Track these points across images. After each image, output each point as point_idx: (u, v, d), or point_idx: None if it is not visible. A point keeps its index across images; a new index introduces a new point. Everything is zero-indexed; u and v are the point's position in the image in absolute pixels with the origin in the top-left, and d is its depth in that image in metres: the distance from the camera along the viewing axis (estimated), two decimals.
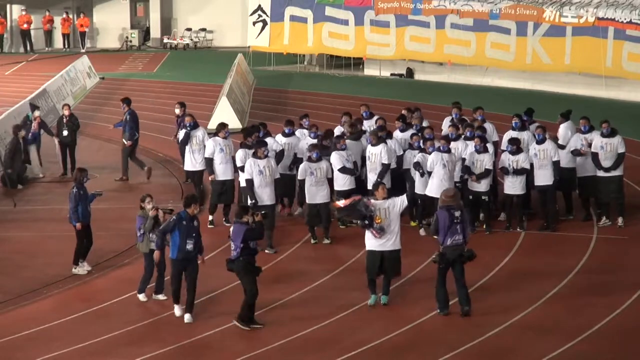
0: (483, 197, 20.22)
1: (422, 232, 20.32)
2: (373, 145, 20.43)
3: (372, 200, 16.23)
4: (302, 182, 20.22)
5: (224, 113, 31.12)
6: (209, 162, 21.19)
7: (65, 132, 25.67)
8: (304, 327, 15.76)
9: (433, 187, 19.70)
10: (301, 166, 20.14)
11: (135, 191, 24.28)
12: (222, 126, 21.43)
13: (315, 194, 19.83)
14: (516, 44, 38.17)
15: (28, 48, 51.57)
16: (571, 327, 15.64)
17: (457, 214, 15.80)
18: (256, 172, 19.55)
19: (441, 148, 19.96)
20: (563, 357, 14.68)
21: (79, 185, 18.81)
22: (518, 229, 20.48)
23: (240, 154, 20.36)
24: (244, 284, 15.67)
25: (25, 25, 51.44)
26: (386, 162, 20.26)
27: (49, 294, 17.61)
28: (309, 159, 19.94)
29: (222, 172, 21.02)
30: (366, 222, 16.10)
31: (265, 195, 19.57)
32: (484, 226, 20.41)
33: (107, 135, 29.85)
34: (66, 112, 26.04)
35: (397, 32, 41.09)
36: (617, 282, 17.83)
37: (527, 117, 22.08)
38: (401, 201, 16.26)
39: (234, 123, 30.14)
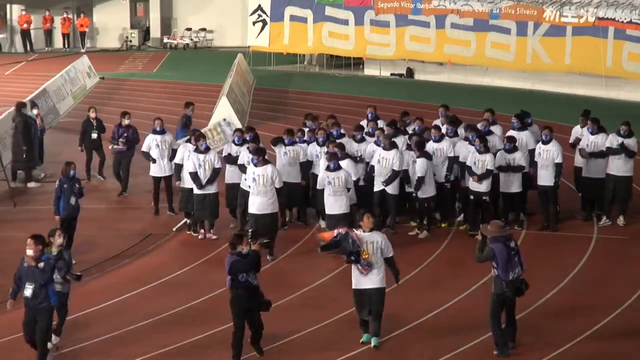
0: (484, 198, 20.23)
1: (414, 232, 20.26)
2: (385, 149, 20.17)
3: (359, 233, 14.87)
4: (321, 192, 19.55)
5: (224, 113, 31.09)
6: (178, 168, 20.90)
7: (94, 135, 25.23)
8: (303, 327, 15.76)
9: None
10: (320, 175, 19.65)
11: (135, 191, 24.28)
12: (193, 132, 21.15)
13: (333, 205, 19.22)
14: (516, 44, 38.16)
15: (28, 48, 51.55)
16: (571, 327, 15.64)
17: (513, 244, 14.67)
18: (250, 180, 19.14)
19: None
20: (563, 356, 14.69)
21: (64, 178, 18.81)
22: (516, 227, 20.50)
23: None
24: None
25: (25, 25, 51.41)
26: (397, 169, 20.08)
27: None
28: (327, 168, 19.34)
29: (188, 180, 20.58)
30: (352, 258, 14.75)
31: (255, 204, 19.04)
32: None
33: (107, 135, 29.75)
34: (92, 115, 25.36)
35: (397, 32, 41.07)
36: (617, 282, 17.85)
37: (529, 119, 22.04)
38: (387, 248, 14.95)
39: (234, 123, 30.10)
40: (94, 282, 18.30)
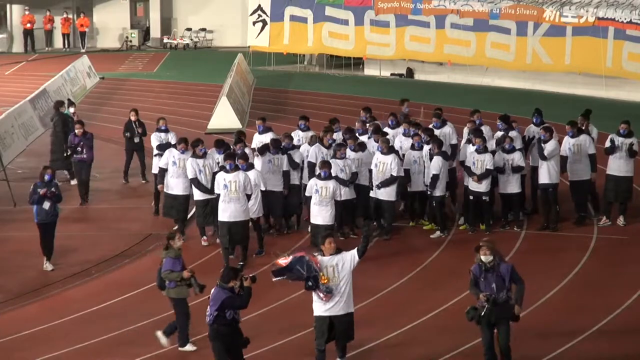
0: (484, 198, 20.24)
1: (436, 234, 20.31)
2: (383, 153, 20.02)
3: (319, 257, 13.90)
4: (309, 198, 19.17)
5: (224, 113, 31.14)
6: (162, 172, 20.59)
7: (136, 139, 24.72)
8: (301, 329, 15.76)
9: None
10: (309, 182, 19.31)
11: (135, 192, 24.30)
12: (197, 142, 20.23)
13: (317, 214, 18.88)
14: (516, 44, 38.18)
15: (29, 48, 51.56)
16: (571, 327, 15.65)
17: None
18: (221, 186, 18.66)
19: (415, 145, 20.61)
20: (563, 357, 14.69)
21: (40, 182, 18.64)
22: (515, 228, 20.51)
23: (188, 164, 19.77)
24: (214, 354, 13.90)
25: (28, 25, 51.41)
26: (396, 174, 19.94)
27: (49, 294, 17.62)
28: (318, 176, 19.01)
29: (173, 185, 20.37)
30: (310, 283, 13.77)
31: (227, 211, 18.59)
32: (484, 226, 20.46)
33: (107, 134, 29.89)
34: (133, 118, 24.82)
35: (397, 32, 41.09)
36: (617, 282, 17.85)
37: (537, 119, 21.99)
38: (351, 256, 13.86)
39: (234, 123, 30.16)
40: (94, 282, 18.30)
